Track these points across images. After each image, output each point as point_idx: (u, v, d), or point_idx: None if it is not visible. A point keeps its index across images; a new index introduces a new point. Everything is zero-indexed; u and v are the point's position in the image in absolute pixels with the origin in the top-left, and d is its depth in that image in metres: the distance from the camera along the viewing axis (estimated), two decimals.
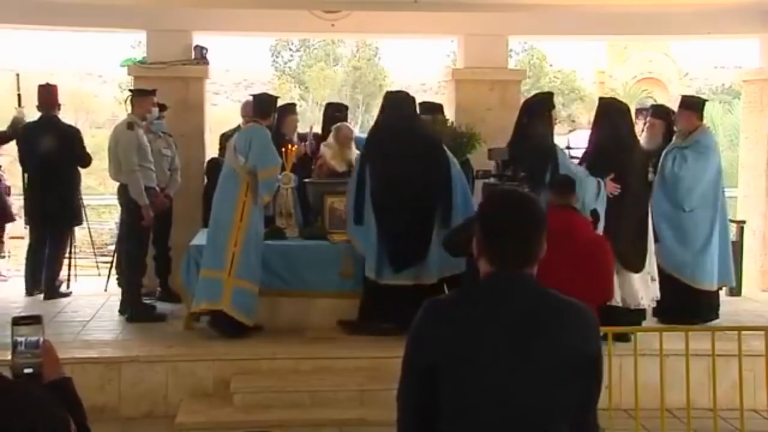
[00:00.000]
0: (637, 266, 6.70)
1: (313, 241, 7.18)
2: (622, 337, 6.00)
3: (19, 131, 8.42)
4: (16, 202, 9.48)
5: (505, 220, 2.31)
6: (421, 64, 29.02)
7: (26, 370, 2.00)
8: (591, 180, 6.49)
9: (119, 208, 7.88)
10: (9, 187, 9.31)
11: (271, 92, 8.42)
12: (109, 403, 6.19)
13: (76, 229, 9.12)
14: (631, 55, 26.19)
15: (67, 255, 8.83)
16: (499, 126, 9.07)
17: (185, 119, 8.85)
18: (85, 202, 9.73)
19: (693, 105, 7.55)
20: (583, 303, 2.34)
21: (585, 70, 30.24)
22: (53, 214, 8.25)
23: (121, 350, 6.62)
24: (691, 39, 12.04)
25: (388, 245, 6.72)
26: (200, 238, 7.19)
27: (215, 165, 8.05)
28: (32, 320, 2.04)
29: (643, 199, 6.92)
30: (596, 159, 6.79)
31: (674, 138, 7.52)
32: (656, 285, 6.86)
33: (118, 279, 8.18)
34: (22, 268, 8.83)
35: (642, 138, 8.24)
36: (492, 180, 6.89)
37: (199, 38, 9.22)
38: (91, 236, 10.28)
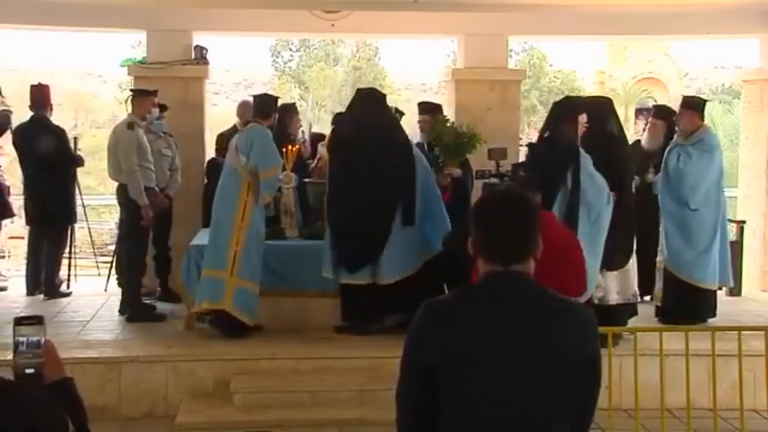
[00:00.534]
0: (621, 263, 6.71)
1: (313, 241, 7.17)
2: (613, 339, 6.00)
3: (13, 130, 8.45)
4: (16, 202, 9.49)
5: (503, 218, 2.33)
6: (421, 64, 29.03)
7: (28, 371, 2.00)
8: (606, 189, 6.48)
9: (119, 208, 7.88)
10: (9, 187, 9.32)
11: (271, 92, 8.42)
12: (109, 403, 6.19)
13: (77, 228, 9.13)
14: (631, 55, 26.16)
15: (67, 255, 8.84)
16: (499, 126, 9.10)
17: (185, 119, 8.85)
18: (86, 202, 9.76)
19: (695, 105, 7.56)
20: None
21: (585, 70, 30.22)
22: (49, 213, 8.27)
23: (121, 350, 6.62)
24: (691, 39, 12.04)
25: (338, 244, 6.69)
26: (200, 238, 7.20)
27: (215, 165, 8.06)
28: (34, 320, 2.04)
29: (628, 196, 6.90)
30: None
31: (675, 137, 7.53)
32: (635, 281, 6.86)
33: (118, 279, 8.18)
34: (22, 268, 8.84)
35: (643, 138, 8.27)
36: (492, 180, 6.89)
37: (199, 38, 9.22)
38: (91, 236, 10.29)
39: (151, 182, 7.57)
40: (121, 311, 7.59)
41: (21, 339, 2.01)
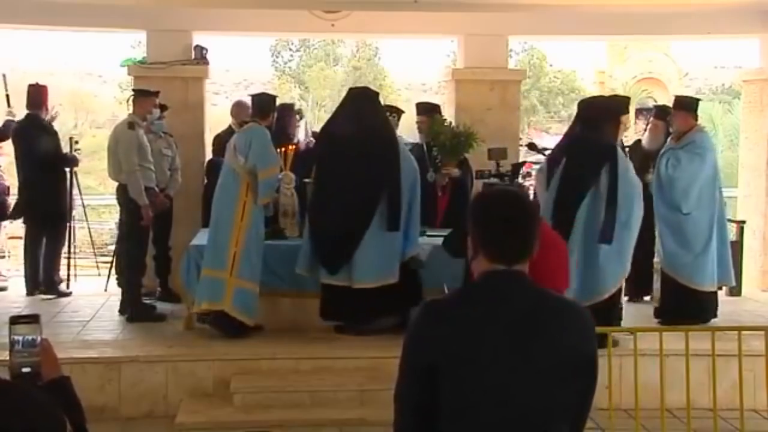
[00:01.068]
0: None
1: None
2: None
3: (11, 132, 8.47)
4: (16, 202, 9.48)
5: (506, 216, 2.33)
6: (421, 64, 28.97)
7: (24, 369, 1.99)
8: (639, 191, 6.48)
9: (119, 208, 7.88)
10: (8, 187, 9.32)
11: (269, 92, 8.41)
12: (109, 403, 6.19)
13: (77, 228, 9.13)
14: (631, 55, 26.14)
15: (66, 254, 8.84)
16: (499, 126, 9.11)
17: (185, 119, 8.85)
18: (86, 202, 9.76)
19: (687, 105, 7.52)
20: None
21: (585, 70, 30.17)
22: (44, 213, 8.28)
23: (121, 350, 6.61)
24: (691, 39, 12.03)
25: (313, 240, 6.67)
26: (200, 238, 7.19)
27: (215, 165, 8.06)
28: (30, 319, 2.04)
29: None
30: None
31: (668, 140, 7.52)
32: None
33: (118, 279, 8.18)
34: (22, 268, 8.84)
35: (644, 138, 8.27)
36: (492, 180, 6.88)
37: (199, 38, 9.21)
38: (91, 236, 10.29)
39: (151, 182, 7.57)
40: (121, 311, 7.58)
41: (17, 338, 2.01)
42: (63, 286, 8.60)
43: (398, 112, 7.93)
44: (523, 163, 8.29)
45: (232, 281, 6.64)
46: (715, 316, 7.31)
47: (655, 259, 7.43)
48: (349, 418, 5.94)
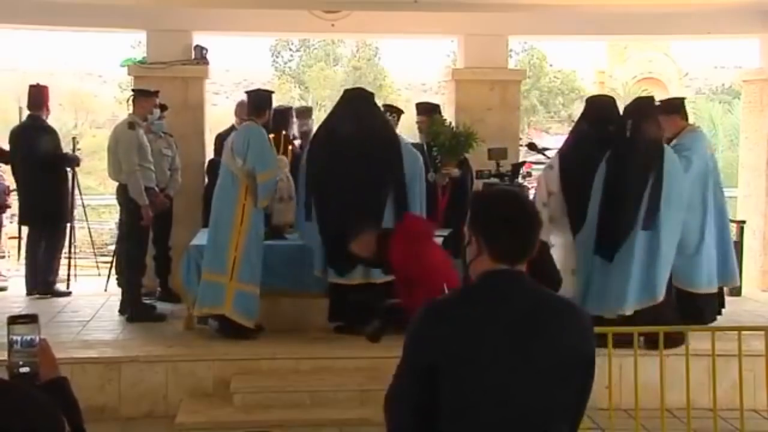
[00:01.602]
0: None
1: None
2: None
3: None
4: (16, 202, 9.49)
5: (507, 216, 2.34)
6: (421, 64, 28.98)
7: (22, 369, 1.99)
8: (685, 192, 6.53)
9: (119, 208, 7.88)
10: (8, 187, 9.33)
11: (264, 88, 8.36)
12: (109, 403, 6.19)
13: (77, 228, 9.13)
14: (631, 55, 26.18)
15: (66, 255, 8.84)
16: (499, 126, 9.11)
17: (185, 119, 8.85)
18: (86, 202, 9.76)
19: (672, 108, 7.29)
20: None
21: (585, 70, 30.21)
22: (44, 213, 8.28)
23: (121, 350, 6.61)
24: (691, 39, 12.04)
25: (328, 244, 6.66)
26: (200, 238, 7.19)
27: (215, 165, 8.05)
28: (28, 319, 2.03)
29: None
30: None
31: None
32: (575, 279, 6.71)
33: (118, 279, 8.18)
34: (22, 268, 8.84)
35: None
36: (492, 180, 6.89)
37: (199, 38, 9.21)
38: (91, 236, 10.29)
39: (151, 182, 7.57)
40: (121, 311, 7.58)
41: (15, 338, 2.01)
42: (62, 286, 8.60)
43: (398, 111, 7.93)
44: (523, 163, 8.30)
45: (233, 285, 6.62)
46: (715, 318, 7.22)
47: None
48: (349, 418, 5.94)
